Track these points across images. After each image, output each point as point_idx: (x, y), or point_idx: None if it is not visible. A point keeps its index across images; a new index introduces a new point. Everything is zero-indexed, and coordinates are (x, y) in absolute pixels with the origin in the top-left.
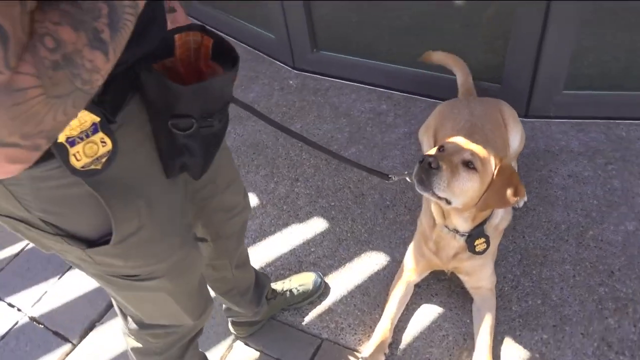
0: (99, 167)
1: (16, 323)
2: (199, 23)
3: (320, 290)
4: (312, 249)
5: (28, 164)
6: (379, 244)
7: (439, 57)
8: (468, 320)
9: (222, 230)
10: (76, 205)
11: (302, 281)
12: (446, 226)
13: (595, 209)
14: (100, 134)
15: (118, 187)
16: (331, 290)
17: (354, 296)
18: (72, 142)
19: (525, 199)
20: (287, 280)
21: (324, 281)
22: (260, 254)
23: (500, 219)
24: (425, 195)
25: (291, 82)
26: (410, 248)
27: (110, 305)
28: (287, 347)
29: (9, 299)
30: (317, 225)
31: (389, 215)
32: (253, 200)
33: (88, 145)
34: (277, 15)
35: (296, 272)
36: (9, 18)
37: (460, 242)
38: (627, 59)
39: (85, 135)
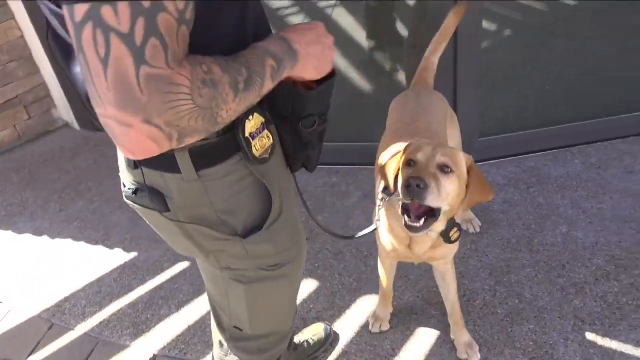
0: (267, 156)
1: None
2: None
3: (332, 338)
4: (311, 306)
5: (160, 149)
6: (370, 288)
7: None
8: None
9: None
10: (246, 197)
11: (314, 332)
12: None
13: (532, 222)
14: (266, 131)
15: (269, 175)
16: (340, 336)
17: (362, 335)
18: (253, 136)
19: (480, 224)
20: (300, 334)
21: (333, 329)
22: None
23: None
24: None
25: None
26: (382, 236)
27: None
28: None
29: None
30: (309, 285)
31: (371, 263)
32: None
33: (260, 140)
34: None
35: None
36: (168, 34)
37: (434, 237)
38: (517, 109)
39: (258, 131)
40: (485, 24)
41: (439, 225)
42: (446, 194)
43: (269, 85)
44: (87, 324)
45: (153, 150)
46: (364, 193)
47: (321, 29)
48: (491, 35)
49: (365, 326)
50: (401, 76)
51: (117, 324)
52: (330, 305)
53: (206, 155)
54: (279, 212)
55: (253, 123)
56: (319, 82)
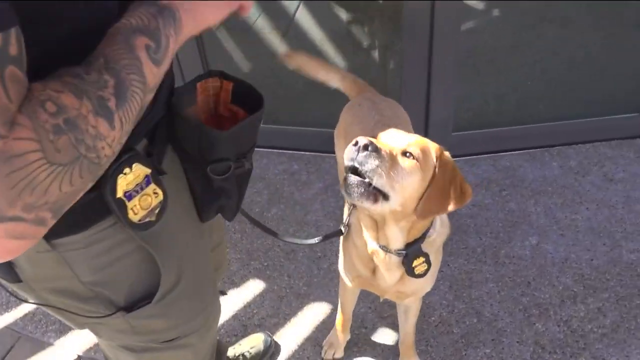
0: (153, 219)
1: None
2: (218, 69)
3: (272, 349)
4: (254, 311)
5: (33, 240)
6: (319, 294)
7: (300, 60)
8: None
9: None
10: (124, 267)
11: (252, 343)
12: (381, 246)
13: (501, 230)
14: (153, 186)
15: (161, 238)
16: (282, 347)
17: (305, 349)
18: (129, 196)
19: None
20: (237, 345)
21: (274, 340)
22: None
23: (437, 233)
24: (358, 196)
25: None
26: (342, 264)
27: None
28: None
29: None
30: (254, 287)
31: (323, 265)
32: None
33: (143, 198)
34: None
35: (243, 337)
36: None
37: (397, 263)
38: (497, 102)
39: (140, 188)
40: (466, 3)
41: (396, 240)
42: (399, 183)
43: (155, 73)
44: (10, 316)
45: (21, 247)
46: (325, 184)
47: None
48: (472, 16)
49: (310, 338)
50: (376, 54)
51: (42, 317)
52: (275, 311)
53: (60, 220)
54: (174, 282)
55: (131, 177)
56: (248, 110)
